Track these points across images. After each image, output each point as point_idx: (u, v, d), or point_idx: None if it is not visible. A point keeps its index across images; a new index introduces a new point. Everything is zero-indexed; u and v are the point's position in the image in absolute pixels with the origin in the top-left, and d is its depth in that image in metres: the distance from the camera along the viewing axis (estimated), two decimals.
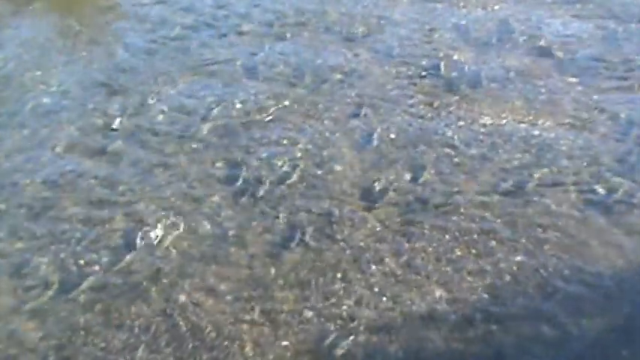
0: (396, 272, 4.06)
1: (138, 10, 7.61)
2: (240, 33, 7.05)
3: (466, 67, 6.23)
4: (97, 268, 4.14)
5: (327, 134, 5.35)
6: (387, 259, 4.15)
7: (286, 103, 5.78)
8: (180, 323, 3.78)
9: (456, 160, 5.00)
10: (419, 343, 3.65)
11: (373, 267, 4.10)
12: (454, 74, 6.14)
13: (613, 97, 5.72)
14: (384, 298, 3.89)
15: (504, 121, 5.45)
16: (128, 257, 4.21)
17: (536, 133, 5.28)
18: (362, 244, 4.27)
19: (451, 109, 5.64)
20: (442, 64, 6.29)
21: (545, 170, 4.86)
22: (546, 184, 4.73)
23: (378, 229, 4.39)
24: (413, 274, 4.05)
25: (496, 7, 7.35)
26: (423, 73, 6.18)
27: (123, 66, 6.48)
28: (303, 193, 4.72)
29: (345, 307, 3.84)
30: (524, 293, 3.90)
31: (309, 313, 3.82)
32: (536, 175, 4.81)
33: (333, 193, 4.70)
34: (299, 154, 5.11)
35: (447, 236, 4.32)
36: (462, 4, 7.44)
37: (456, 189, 4.71)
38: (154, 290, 3.98)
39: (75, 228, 4.45)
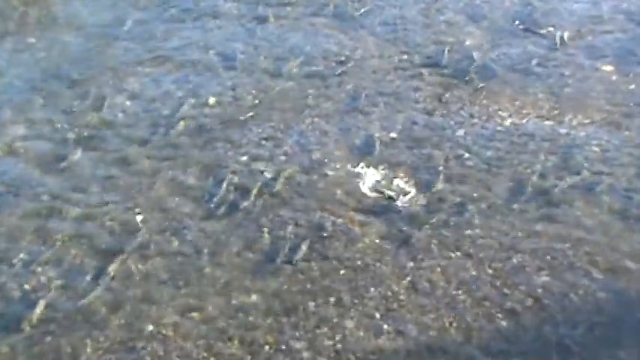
0: (398, 296, 4.05)
1: None
2: (216, 14, 7.06)
3: (480, 55, 6.25)
4: (45, 293, 4.10)
5: (317, 134, 5.35)
6: (388, 281, 4.14)
7: (270, 97, 5.78)
8: (146, 358, 3.75)
9: (469, 163, 5.01)
10: None
11: (372, 290, 4.10)
12: (466, 63, 6.15)
13: None
14: (385, 327, 3.88)
15: (525, 117, 5.47)
16: (83, 280, 4.18)
17: (563, 131, 5.30)
18: (359, 262, 4.27)
19: (463, 103, 5.66)
20: (452, 50, 6.31)
21: (575, 175, 4.87)
22: (576, 191, 4.74)
23: (377, 245, 4.39)
24: (419, 298, 4.04)
25: None
26: (430, 62, 6.20)
27: (77, 54, 6.47)
28: (290, 202, 4.71)
29: (339, 338, 3.83)
30: (550, 321, 3.89)
31: (297, 345, 3.80)
32: (563, 181, 4.82)
33: (325, 203, 4.70)
34: (285, 158, 5.11)
35: (458, 253, 4.32)
36: None
37: (468, 197, 4.72)
38: (114, 319, 3.95)
39: (19, 246, 4.42)
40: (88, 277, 4.19)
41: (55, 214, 4.66)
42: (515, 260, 4.25)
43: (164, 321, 3.93)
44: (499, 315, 3.92)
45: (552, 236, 4.40)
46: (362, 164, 5.00)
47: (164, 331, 3.87)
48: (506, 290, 4.06)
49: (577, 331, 3.82)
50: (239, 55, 6.33)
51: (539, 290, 4.05)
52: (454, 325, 3.87)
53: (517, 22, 6.77)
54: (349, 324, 3.89)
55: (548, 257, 4.26)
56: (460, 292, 4.06)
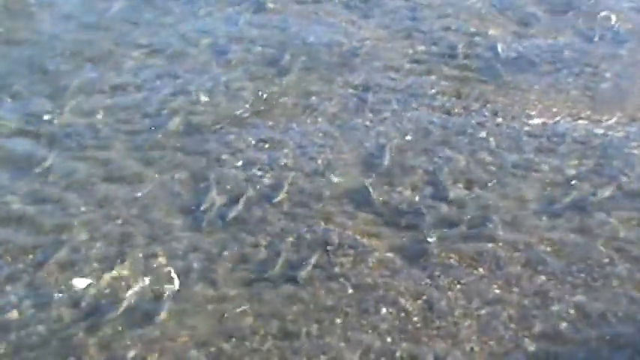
0: (413, 317, 4.04)
1: None
2: (207, 0, 7.08)
3: (505, 46, 6.25)
4: (15, 314, 4.10)
5: (321, 135, 5.36)
6: (401, 300, 4.13)
7: (268, 93, 5.79)
8: None
9: (492, 168, 5.02)
10: None
11: (384, 310, 4.08)
12: (489, 55, 6.16)
13: None
14: (398, 352, 3.87)
15: (556, 117, 5.47)
16: (57, 300, 4.16)
17: (600, 132, 5.30)
18: (368, 279, 4.26)
19: (485, 101, 5.66)
20: (474, 41, 6.32)
21: (612, 181, 4.87)
22: (613, 200, 4.74)
23: (389, 259, 4.39)
24: (436, 318, 4.03)
25: None
26: (449, 54, 6.21)
27: (52, 44, 6.48)
28: (291, 213, 4.71)
29: None
30: (586, 346, 3.87)
31: None
32: (599, 188, 4.82)
33: (331, 214, 4.70)
34: (285, 162, 5.12)
35: (480, 269, 4.31)
36: None
37: (491, 207, 4.72)
38: (91, 343, 3.93)
39: None
40: (64, 296, 4.19)
41: (27, 224, 4.66)
42: (544, 277, 4.24)
43: (149, 345, 3.92)
44: (527, 339, 3.90)
45: (587, 250, 4.39)
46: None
47: (149, 357, 3.86)
48: (535, 311, 4.05)
49: (618, 357, 3.82)
50: (233, 47, 6.34)
51: (573, 311, 4.04)
52: (476, 350, 3.86)
53: (548, 9, 6.77)
54: (357, 349, 3.87)
55: (583, 274, 4.25)
56: (483, 313, 4.05)
